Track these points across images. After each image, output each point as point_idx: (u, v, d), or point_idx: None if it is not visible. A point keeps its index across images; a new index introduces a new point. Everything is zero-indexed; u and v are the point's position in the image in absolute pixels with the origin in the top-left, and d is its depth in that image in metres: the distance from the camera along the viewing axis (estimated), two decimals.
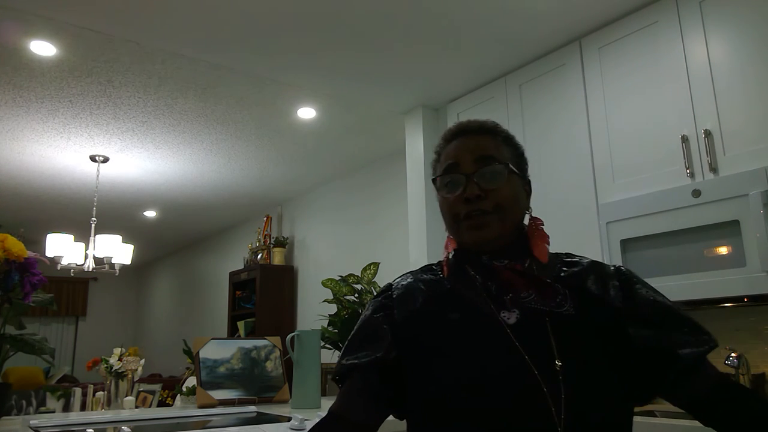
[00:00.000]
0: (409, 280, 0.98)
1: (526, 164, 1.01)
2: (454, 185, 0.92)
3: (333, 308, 2.67)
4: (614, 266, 0.95)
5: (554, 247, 0.98)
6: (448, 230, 0.96)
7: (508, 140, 0.98)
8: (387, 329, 0.92)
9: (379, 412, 0.92)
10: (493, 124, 0.99)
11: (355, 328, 0.97)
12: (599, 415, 0.80)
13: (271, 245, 5.67)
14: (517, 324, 0.86)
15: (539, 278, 0.89)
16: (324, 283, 2.66)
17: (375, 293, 1.01)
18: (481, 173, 0.91)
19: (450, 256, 0.97)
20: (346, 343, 0.96)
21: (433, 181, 0.97)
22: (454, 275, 0.95)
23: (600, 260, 0.93)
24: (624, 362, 0.85)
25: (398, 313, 0.93)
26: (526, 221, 0.97)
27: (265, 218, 5.89)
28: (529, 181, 1.01)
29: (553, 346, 0.83)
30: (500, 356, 0.83)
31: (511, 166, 0.93)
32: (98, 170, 4.55)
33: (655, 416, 1.96)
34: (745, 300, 2.11)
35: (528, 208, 0.98)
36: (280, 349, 2.39)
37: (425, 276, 0.98)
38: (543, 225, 0.96)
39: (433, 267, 1.00)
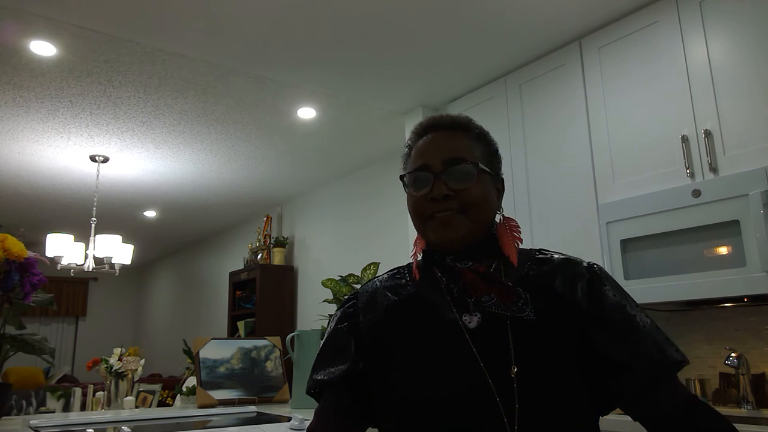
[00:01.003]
0: (375, 285, 0.97)
1: (500, 162, 0.98)
2: (421, 183, 0.90)
3: (333, 308, 2.66)
4: (586, 264, 0.91)
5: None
6: (416, 228, 0.94)
7: (482, 137, 0.95)
8: (352, 340, 0.91)
9: (355, 428, 0.93)
10: (466, 119, 0.95)
11: (323, 340, 0.96)
12: (555, 425, 0.78)
13: (271, 245, 5.66)
14: (477, 328, 0.84)
15: (500, 281, 0.86)
16: (324, 283, 2.65)
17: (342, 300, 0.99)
18: (450, 172, 0.88)
19: (419, 257, 0.94)
20: (316, 356, 0.95)
21: (401, 177, 0.94)
22: (422, 277, 0.92)
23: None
24: (586, 368, 0.83)
25: (363, 322, 0.92)
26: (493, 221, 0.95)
27: (265, 218, 5.89)
28: (503, 180, 0.98)
29: (512, 352, 0.81)
30: (456, 365, 0.82)
31: (481, 165, 0.89)
32: (98, 170, 4.55)
33: None
34: (745, 300, 2.11)
35: (499, 208, 0.95)
36: (280, 349, 2.39)
37: (391, 282, 0.96)
38: (518, 227, 0.93)
39: (401, 270, 0.98)
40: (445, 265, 0.89)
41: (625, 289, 0.90)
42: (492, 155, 0.95)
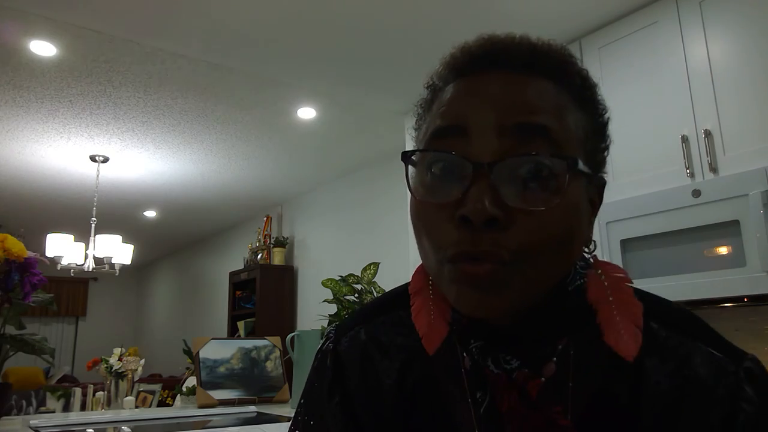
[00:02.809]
0: (362, 339, 0.58)
1: (607, 146, 0.51)
2: (445, 179, 0.45)
3: (333, 308, 2.66)
4: (752, 393, 0.46)
5: None
6: (422, 261, 0.50)
7: (586, 93, 0.49)
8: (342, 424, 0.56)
9: None
10: (560, 51, 0.48)
11: (303, 402, 0.60)
12: None
13: (271, 245, 5.67)
14: None
15: (566, 428, 0.46)
16: (324, 283, 2.65)
17: (322, 342, 0.62)
18: (510, 167, 0.43)
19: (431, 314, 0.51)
20: (295, 415, 0.60)
21: (406, 156, 0.48)
22: (436, 352, 0.50)
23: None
24: None
25: (359, 409, 0.56)
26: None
27: (265, 218, 5.89)
28: (604, 183, 0.53)
29: None
30: None
31: (581, 165, 0.44)
32: (98, 170, 4.55)
33: None
34: (745, 300, 2.11)
35: (589, 241, 0.51)
36: (280, 349, 2.39)
37: (386, 338, 0.57)
38: (627, 279, 0.48)
39: (401, 314, 0.57)
40: (468, 351, 0.50)
41: None
42: (597, 132, 0.50)
